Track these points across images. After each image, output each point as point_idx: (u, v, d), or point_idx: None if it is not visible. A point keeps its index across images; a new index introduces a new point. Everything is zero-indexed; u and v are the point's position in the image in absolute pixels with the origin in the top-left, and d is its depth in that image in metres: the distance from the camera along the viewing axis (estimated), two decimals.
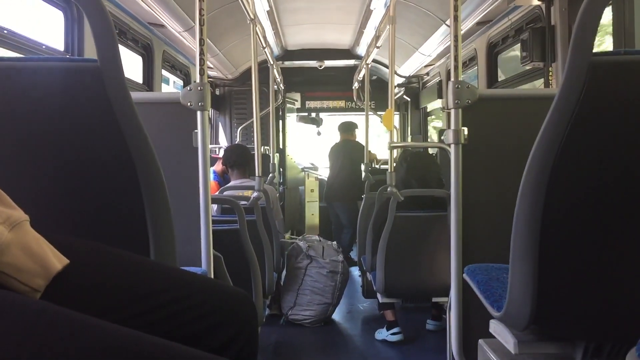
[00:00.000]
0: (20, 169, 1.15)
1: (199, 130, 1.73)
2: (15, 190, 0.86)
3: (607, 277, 1.14)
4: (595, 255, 1.13)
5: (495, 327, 1.39)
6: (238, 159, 3.93)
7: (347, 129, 6.43)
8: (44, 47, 2.77)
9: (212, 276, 1.80)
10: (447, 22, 4.22)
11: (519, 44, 3.46)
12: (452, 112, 1.83)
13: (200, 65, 1.77)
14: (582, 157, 1.09)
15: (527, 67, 3.44)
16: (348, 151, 6.27)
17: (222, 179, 4.81)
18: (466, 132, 1.83)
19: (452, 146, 1.85)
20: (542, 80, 3.39)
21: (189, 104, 1.72)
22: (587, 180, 1.10)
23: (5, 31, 2.48)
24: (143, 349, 0.72)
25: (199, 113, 1.73)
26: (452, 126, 1.83)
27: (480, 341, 1.52)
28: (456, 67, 1.82)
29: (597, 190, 1.10)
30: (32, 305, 0.73)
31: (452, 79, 1.82)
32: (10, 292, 0.77)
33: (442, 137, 1.94)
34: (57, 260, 0.86)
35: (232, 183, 3.89)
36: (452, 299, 1.90)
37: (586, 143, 1.09)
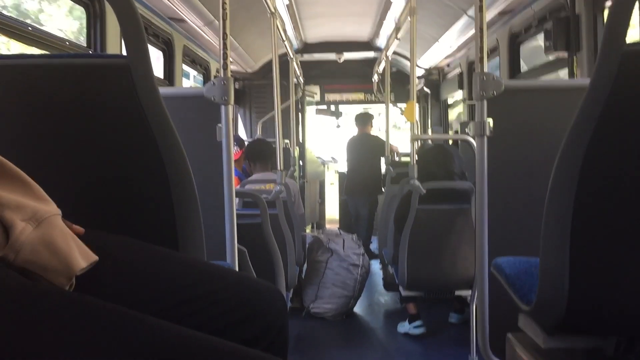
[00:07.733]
0: (49, 166, 1.16)
1: (222, 124, 1.74)
2: (44, 186, 0.87)
3: None
4: (629, 247, 1.11)
5: (525, 321, 1.38)
6: (260, 153, 3.95)
7: (365, 121, 6.35)
8: (67, 43, 2.79)
9: (237, 270, 1.80)
10: (469, 12, 4.17)
11: (542, 34, 3.40)
12: (477, 103, 1.80)
13: (223, 59, 1.77)
14: (614, 146, 1.08)
15: (551, 57, 3.38)
16: (366, 145, 6.21)
17: (243, 173, 4.83)
18: (491, 124, 1.81)
19: (477, 138, 1.83)
20: (565, 70, 3.33)
21: (212, 98, 1.72)
22: (620, 171, 1.08)
23: (29, 28, 2.51)
24: (189, 343, 0.71)
25: (222, 107, 1.73)
26: (477, 118, 1.81)
27: (509, 335, 1.51)
28: (481, 59, 1.79)
29: (630, 181, 1.08)
30: (68, 295, 0.72)
31: (477, 70, 1.79)
32: (42, 283, 0.77)
33: (466, 129, 1.92)
34: (83, 258, 0.83)
35: (254, 177, 3.91)
36: (478, 292, 1.89)
37: (619, 133, 1.07)
